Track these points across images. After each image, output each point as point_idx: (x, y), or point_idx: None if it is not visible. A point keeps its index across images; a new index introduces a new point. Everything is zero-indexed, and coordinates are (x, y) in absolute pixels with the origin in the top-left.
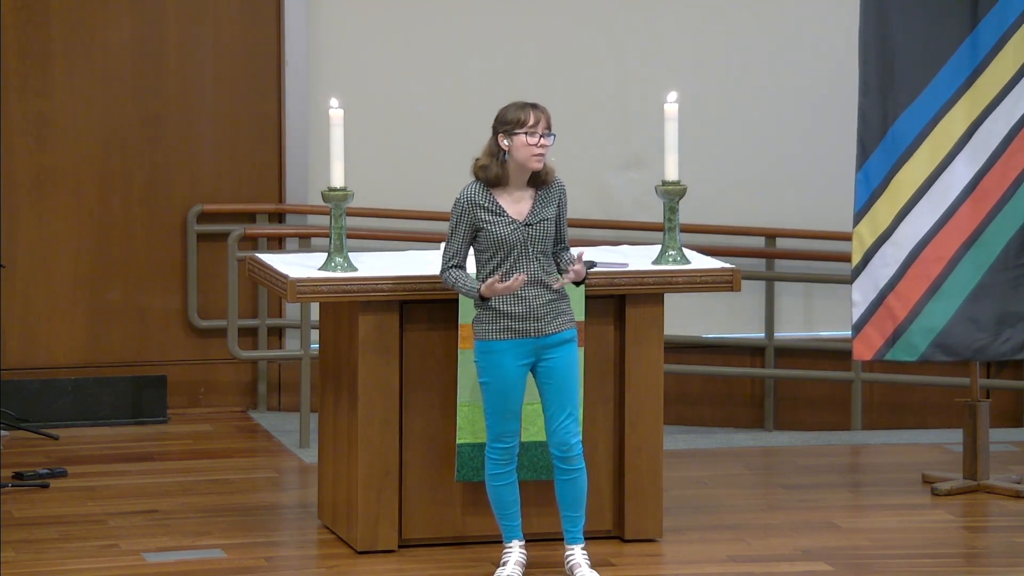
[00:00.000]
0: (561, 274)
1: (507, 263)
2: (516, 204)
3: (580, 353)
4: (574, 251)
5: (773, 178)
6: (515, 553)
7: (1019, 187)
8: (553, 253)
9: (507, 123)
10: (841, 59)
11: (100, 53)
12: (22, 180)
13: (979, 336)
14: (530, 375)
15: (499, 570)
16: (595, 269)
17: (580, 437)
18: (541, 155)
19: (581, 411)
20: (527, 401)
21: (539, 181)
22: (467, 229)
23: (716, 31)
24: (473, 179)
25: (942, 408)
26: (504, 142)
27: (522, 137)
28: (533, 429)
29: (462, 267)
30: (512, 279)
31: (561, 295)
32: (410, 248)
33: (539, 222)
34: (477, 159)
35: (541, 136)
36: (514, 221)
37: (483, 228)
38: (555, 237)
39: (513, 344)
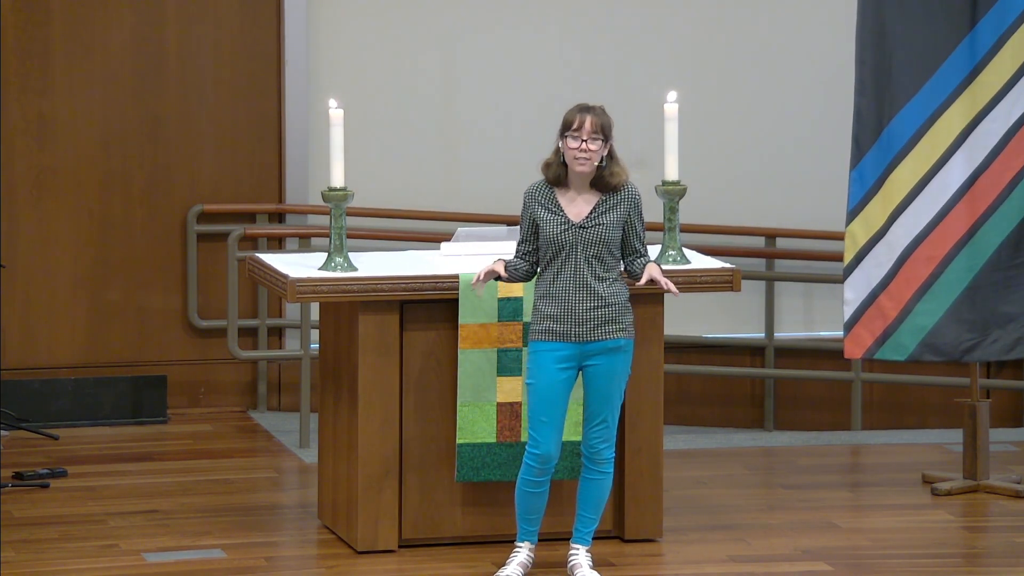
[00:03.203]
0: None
1: (557, 262)
2: (577, 205)
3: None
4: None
5: (773, 178)
6: (522, 554)
7: (1014, 188)
8: (630, 262)
9: (561, 125)
10: (842, 59)
11: (100, 53)
12: (22, 180)
13: (968, 336)
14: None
15: (502, 568)
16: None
17: (612, 444)
18: (584, 159)
19: (582, 410)
20: None
21: (603, 184)
22: (529, 224)
23: (716, 31)
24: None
25: (942, 408)
26: (560, 144)
27: (568, 140)
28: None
29: (524, 258)
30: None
31: (610, 302)
32: (410, 248)
33: (594, 225)
34: (545, 158)
35: (584, 140)
36: (568, 221)
37: (539, 225)
38: (625, 246)
39: (554, 346)
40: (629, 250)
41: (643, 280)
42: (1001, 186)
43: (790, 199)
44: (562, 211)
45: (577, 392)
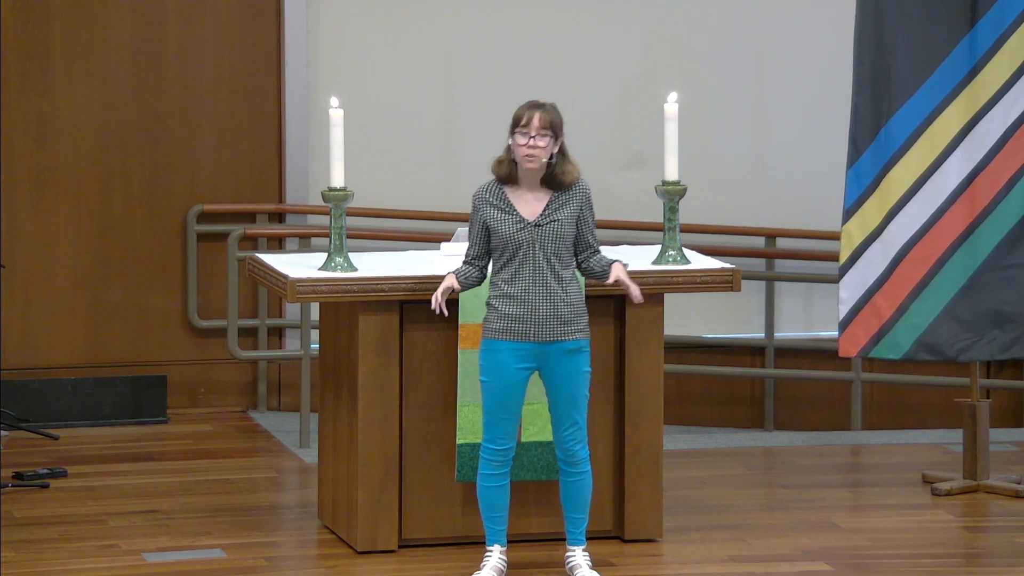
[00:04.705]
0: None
1: (514, 262)
2: (529, 204)
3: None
4: (614, 269)
5: (773, 178)
6: (494, 558)
7: (1012, 188)
8: (584, 258)
9: (511, 122)
10: (842, 58)
11: (100, 53)
12: (22, 180)
13: (964, 336)
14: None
15: (475, 573)
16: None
17: (585, 443)
18: (531, 155)
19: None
20: (528, 401)
21: (555, 182)
22: (480, 227)
23: (715, 31)
24: (493, 176)
25: (942, 408)
26: (509, 141)
27: (516, 136)
28: (533, 429)
29: (474, 264)
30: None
31: (569, 303)
32: (410, 248)
33: (549, 223)
34: (496, 156)
35: (532, 137)
36: (523, 220)
37: (492, 226)
38: (578, 241)
39: (513, 345)
40: (582, 245)
41: (610, 280)
42: (999, 186)
43: (790, 199)
44: (515, 210)
45: (532, 394)
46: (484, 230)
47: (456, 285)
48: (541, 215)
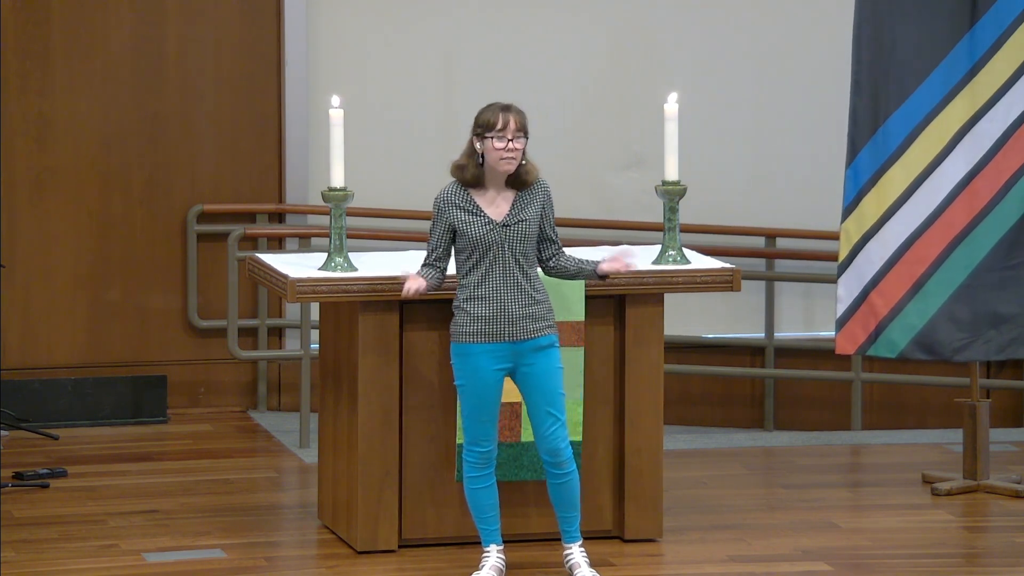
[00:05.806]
0: (571, 273)
1: (484, 263)
2: (494, 205)
3: (579, 353)
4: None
5: (773, 178)
6: (492, 558)
7: (1011, 188)
8: (548, 256)
9: (479, 126)
10: (843, 58)
11: (100, 53)
12: (22, 180)
13: (960, 336)
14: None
15: (475, 573)
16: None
17: (568, 441)
18: (511, 159)
19: (582, 410)
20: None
21: (519, 182)
22: (444, 229)
23: (716, 31)
24: (452, 179)
25: (942, 408)
26: (477, 145)
27: (491, 141)
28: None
29: (435, 266)
30: (407, 287)
31: (539, 300)
32: (410, 248)
33: (517, 223)
34: (455, 160)
35: (510, 140)
36: (491, 221)
37: (459, 228)
38: (541, 239)
39: (487, 347)
40: (545, 243)
41: (604, 272)
42: (997, 186)
43: (790, 199)
44: (482, 211)
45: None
46: (449, 233)
47: (424, 286)
48: (508, 215)
